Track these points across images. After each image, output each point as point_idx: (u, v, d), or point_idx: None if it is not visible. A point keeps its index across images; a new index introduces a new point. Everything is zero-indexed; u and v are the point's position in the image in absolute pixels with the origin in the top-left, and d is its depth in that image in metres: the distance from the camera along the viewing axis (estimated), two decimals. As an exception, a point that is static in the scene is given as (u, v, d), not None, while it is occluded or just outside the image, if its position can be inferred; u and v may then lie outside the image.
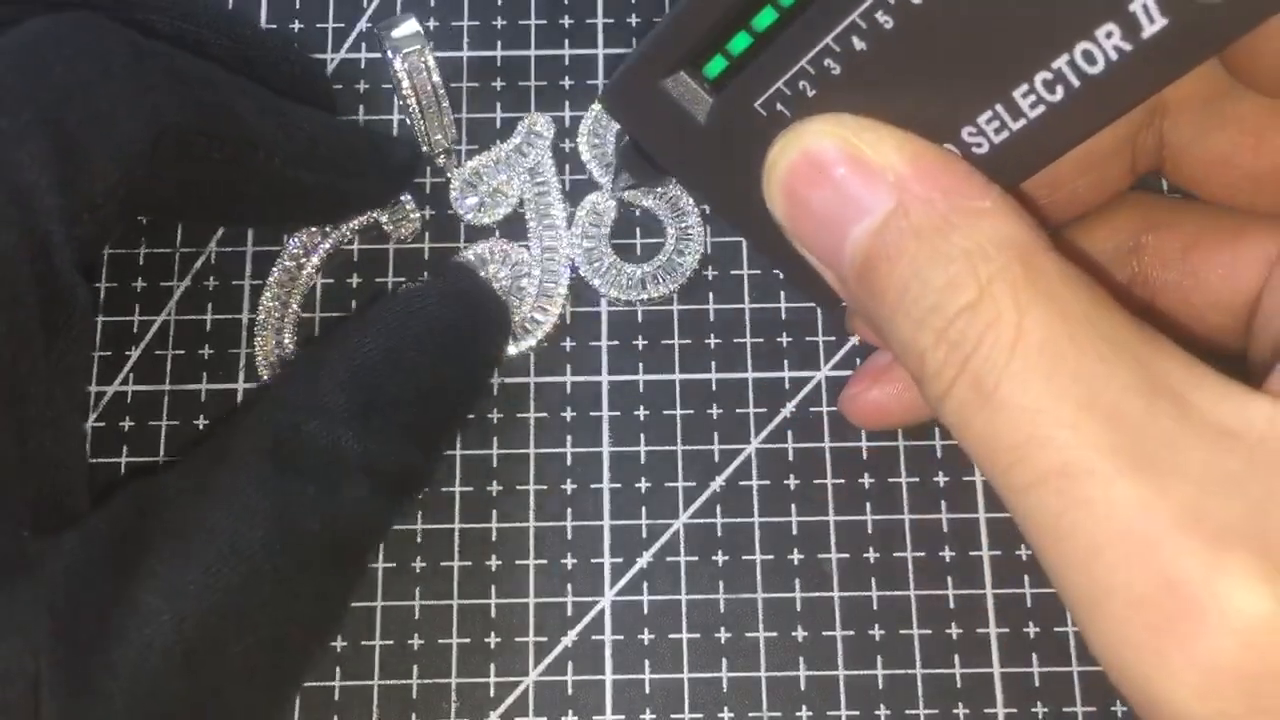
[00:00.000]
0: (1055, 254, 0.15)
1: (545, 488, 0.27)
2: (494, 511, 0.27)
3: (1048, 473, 0.14)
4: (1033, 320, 0.15)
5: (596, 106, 0.29)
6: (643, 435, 0.27)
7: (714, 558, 0.26)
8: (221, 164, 0.22)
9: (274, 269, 0.28)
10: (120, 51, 0.21)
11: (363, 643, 0.26)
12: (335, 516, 0.21)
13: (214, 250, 0.28)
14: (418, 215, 0.28)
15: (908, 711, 0.25)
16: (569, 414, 0.27)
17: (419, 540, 0.27)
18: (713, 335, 0.28)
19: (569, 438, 0.27)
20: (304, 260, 0.28)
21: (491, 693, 0.26)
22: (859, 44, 0.16)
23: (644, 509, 0.27)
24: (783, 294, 0.28)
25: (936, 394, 0.16)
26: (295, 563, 0.21)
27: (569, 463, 0.27)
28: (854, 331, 0.26)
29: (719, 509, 0.27)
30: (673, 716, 0.26)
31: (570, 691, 0.26)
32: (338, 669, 0.26)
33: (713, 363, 0.28)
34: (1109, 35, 0.14)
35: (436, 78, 0.26)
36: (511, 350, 0.27)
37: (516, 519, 0.27)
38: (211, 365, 0.28)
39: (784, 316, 0.28)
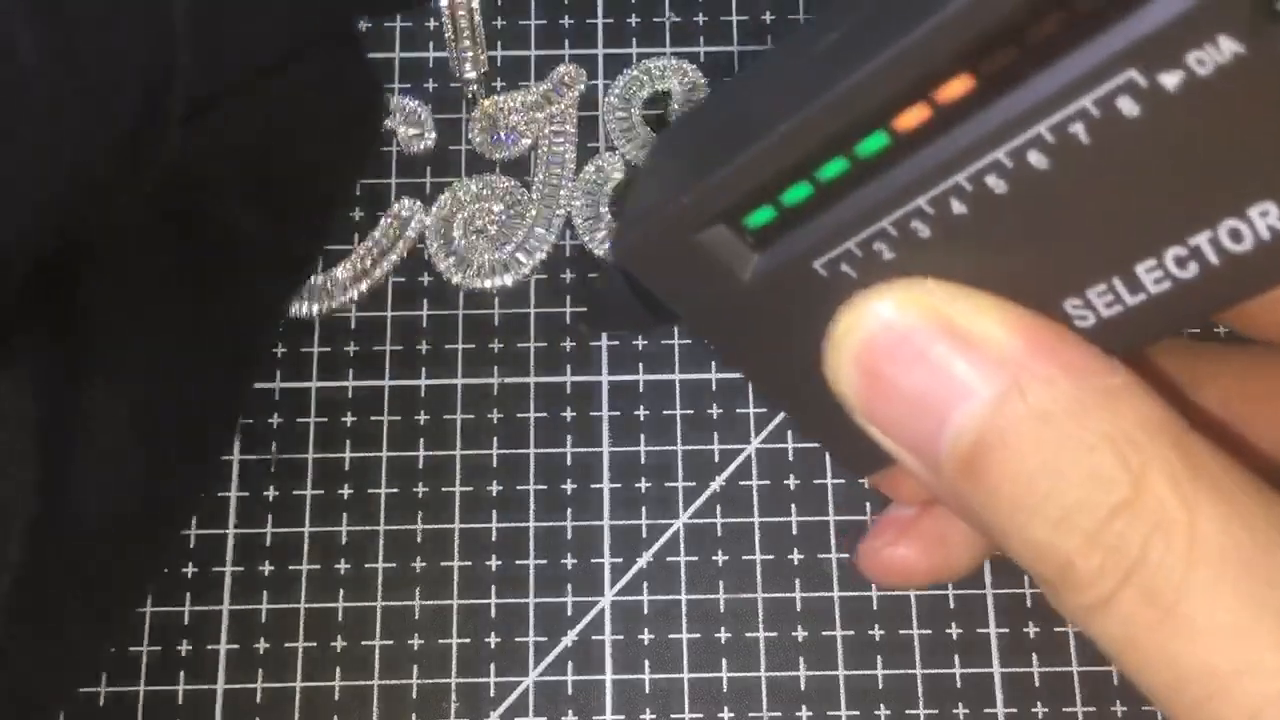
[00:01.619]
0: (1199, 434, 0.14)
1: (545, 488, 0.27)
2: (494, 512, 0.27)
3: (1261, 706, 0.12)
4: (1206, 520, 0.13)
5: (623, 79, 0.29)
6: (643, 435, 0.27)
7: (714, 558, 0.26)
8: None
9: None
10: None
11: (363, 643, 0.26)
12: (248, 302, 0.22)
13: (214, 250, 0.29)
14: (434, 135, 0.29)
15: (908, 711, 0.25)
16: (569, 414, 0.27)
17: (419, 540, 0.27)
18: (713, 335, 0.28)
19: (569, 438, 0.27)
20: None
21: (491, 693, 0.26)
22: (958, 207, 0.14)
23: (644, 509, 0.27)
24: (783, 294, 0.28)
25: (1087, 604, 0.14)
26: (209, 342, 0.21)
27: (569, 463, 0.27)
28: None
29: (719, 509, 0.27)
30: (673, 716, 0.26)
31: (570, 691, 0.26)
32: (338, 669, 0.26)
33: (712, 363, 0.28)
34: (1264, 214, 0.13)
35: (476, 3, 0.27)
36: (486, 284, 0.28)
37: (516, 519, 0.27)
38: (212, 365, 0.28)
39: (784, 316, 0.28)
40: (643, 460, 0.27)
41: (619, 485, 0.27)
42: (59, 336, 0.20)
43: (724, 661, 0.26)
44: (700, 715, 0.26)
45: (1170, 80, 0.12)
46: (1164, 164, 0.13)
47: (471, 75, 0.28)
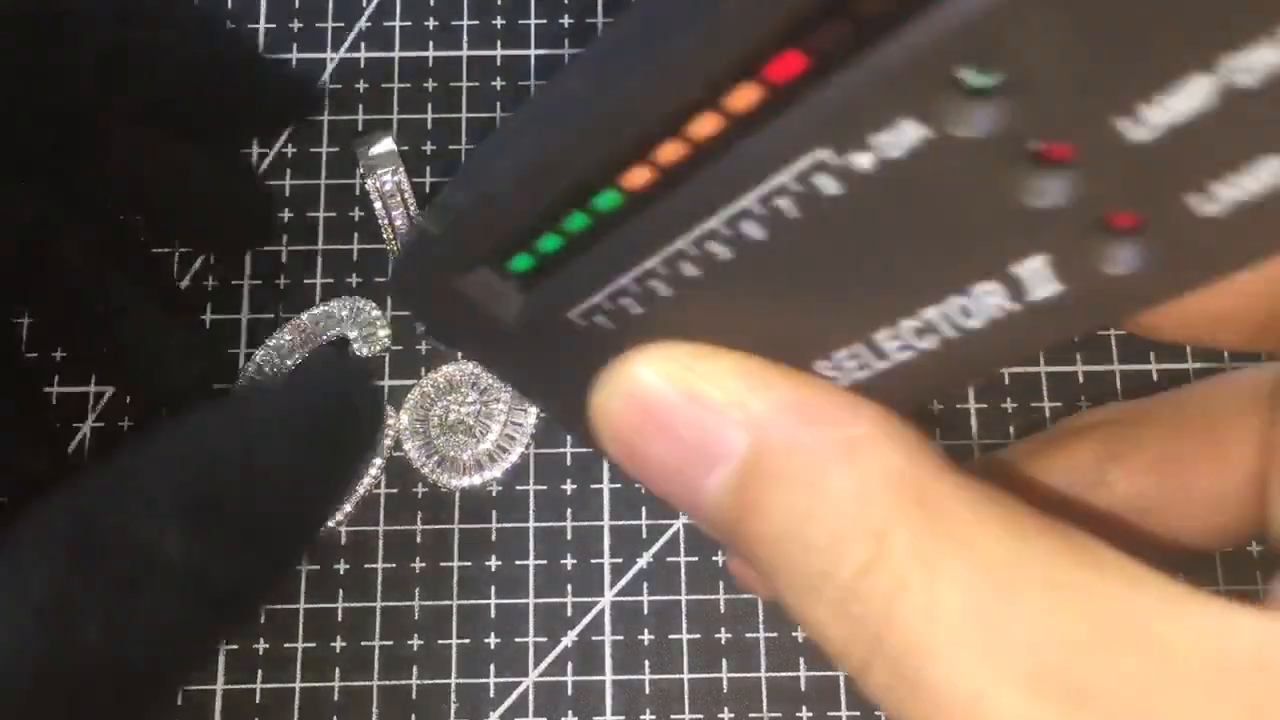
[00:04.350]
0: (954, 475, 0.13)
1: (545, 488, 0.27)
2: (494, 512, 0.27)
3: None
4: (948, 577, 0.12)
5: None
6: (643, 435, 0.27)
7: (713, 558, 0.26)
8: None
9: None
10: None
11: (362, 643, 0.26)
12: (130, 629, 0.18)
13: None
14: (387, 334, 0.27)
15: (907, 711, 0.25)
16: (569, 414, 0.27)
17: (419, 541, 0.27)
18: (712, 336, 0.28)
19: (569, 438, 0.27)
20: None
21: (491, 693, 0.26)
22: (689, 270, 0.14)
23: (644, 509, 0.27)
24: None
25: (850, 671, 0.13)
26: (66, 678, 0.17)
27: (569, 463, 0.27)
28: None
29: (719, 509, 0.27)
30: (673, 717, 0.26)
31: (570, 691, 0.26)
32: (337, 669, 0.26)
33: (712, 363, 0.28)
34: (990, 293, 0.12)
35: (409, 194, 0.25)
36: (476, 480, 0.27)
37: (516, 519, 0.27)
38: (210, 365, 0.28)
39: (783, 317, 0.28)
40: (642, 460, 0.27)
41: (619, 485, 0.27)
42: None
43: (724, 661, 0.26)
44: (700, 715, 0.26)
45: (862, 160, 0.11)
46: (878, 240, 0.12)
47: None
